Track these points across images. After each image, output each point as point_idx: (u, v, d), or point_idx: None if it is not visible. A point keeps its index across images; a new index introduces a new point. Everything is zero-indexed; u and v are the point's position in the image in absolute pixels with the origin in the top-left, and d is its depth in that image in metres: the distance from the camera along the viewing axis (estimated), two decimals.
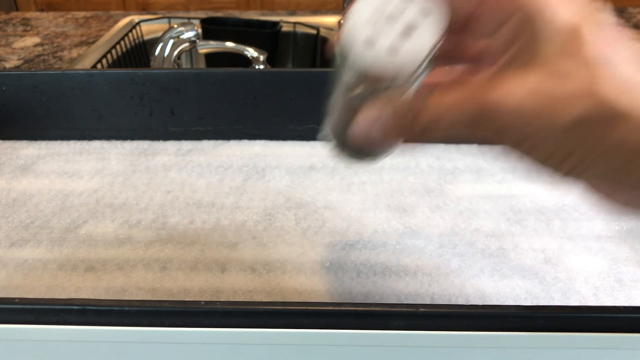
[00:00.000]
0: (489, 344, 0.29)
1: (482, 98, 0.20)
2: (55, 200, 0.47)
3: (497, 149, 0.22)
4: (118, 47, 0.79)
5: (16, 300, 0.31)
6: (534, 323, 0.28)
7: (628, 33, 0.20)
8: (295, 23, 0.91)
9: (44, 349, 0.31)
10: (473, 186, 0.49)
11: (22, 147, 0.54)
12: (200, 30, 0.80)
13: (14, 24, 0.99)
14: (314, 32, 0.91)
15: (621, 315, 0.28)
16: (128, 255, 0.41)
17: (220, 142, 0.55)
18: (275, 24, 0.88)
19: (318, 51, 0.90)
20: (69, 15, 1.04)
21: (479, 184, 0.49)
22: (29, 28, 0.97)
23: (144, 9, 2.22)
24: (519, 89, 0.19)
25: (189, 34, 0.70)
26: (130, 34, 0.84)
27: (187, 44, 0.70)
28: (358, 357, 0.31)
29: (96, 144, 0.54)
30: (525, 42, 0.20)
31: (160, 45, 0.70)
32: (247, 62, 0.74)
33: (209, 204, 0.46)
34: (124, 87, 0.52)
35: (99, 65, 0.74)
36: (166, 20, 0.93)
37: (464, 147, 0.54)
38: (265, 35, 0.87)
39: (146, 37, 0.89)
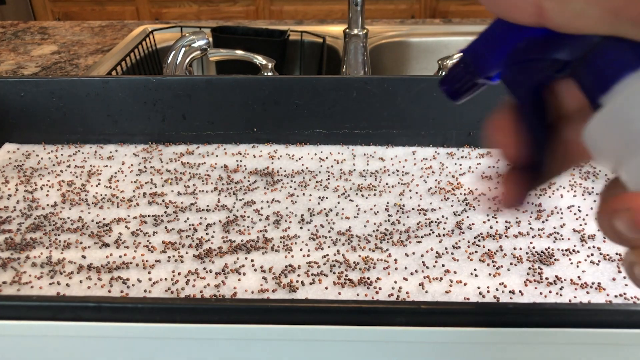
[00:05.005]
0: (488, 340, 0.30)
1: None
2: (71, 201, 0.48)
3: None
4: (132, 54, 0.81)
5: (34, 298, 0.32)
6: (530, 319, 0.29)
7: None
8: (302, 32, 0.93)
9: (60, 344, 0.32)
10: (472, 187, 0.50)
11: (40, 150, 0.56)
12: (211, 39, 0.82)
13: (32, 33, 1.02)
14: (320, 40, 0.92)
15: (614, 311, 0.29)
16: (143, 254, 0.42)
17: (229, 146, 0.56)
18: (283, 32, 0.90)
19: (324, 59, 0.91)
20: (85, 24, 1.06)
21: (478, 185, 0.50)
22: (46, 36, 1.00)
23: (157, 18, 2.25)
24: None
25: (200, 43, 0.72)
26: (143, 43, 0.86)
27: (198, 52, 0.72)
28: (363, 352, 0.32)
29: (111, 148, 0.56)
30: None
31: (173, 53, 0.72)
32: (256, 69, 0.76)
33: (218, 206, 0.48)
34: (138, 93, 0.54)
35: (113, 72, 0.76)
36: (178, 29, 0.95)
37: (465, 151, 0.55)
38: (274, 43, 0.89)
39: (159, 46, 0.91)
